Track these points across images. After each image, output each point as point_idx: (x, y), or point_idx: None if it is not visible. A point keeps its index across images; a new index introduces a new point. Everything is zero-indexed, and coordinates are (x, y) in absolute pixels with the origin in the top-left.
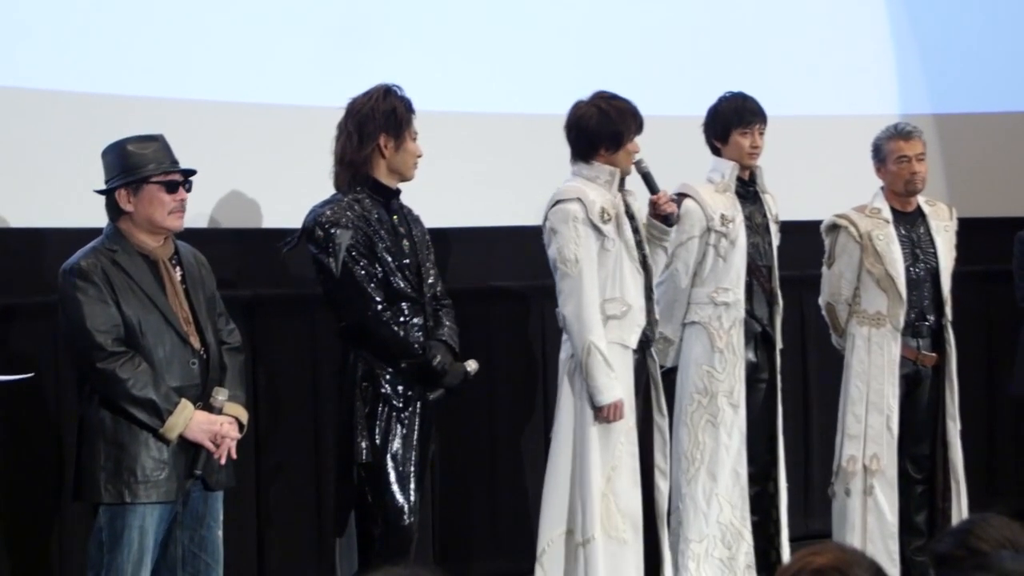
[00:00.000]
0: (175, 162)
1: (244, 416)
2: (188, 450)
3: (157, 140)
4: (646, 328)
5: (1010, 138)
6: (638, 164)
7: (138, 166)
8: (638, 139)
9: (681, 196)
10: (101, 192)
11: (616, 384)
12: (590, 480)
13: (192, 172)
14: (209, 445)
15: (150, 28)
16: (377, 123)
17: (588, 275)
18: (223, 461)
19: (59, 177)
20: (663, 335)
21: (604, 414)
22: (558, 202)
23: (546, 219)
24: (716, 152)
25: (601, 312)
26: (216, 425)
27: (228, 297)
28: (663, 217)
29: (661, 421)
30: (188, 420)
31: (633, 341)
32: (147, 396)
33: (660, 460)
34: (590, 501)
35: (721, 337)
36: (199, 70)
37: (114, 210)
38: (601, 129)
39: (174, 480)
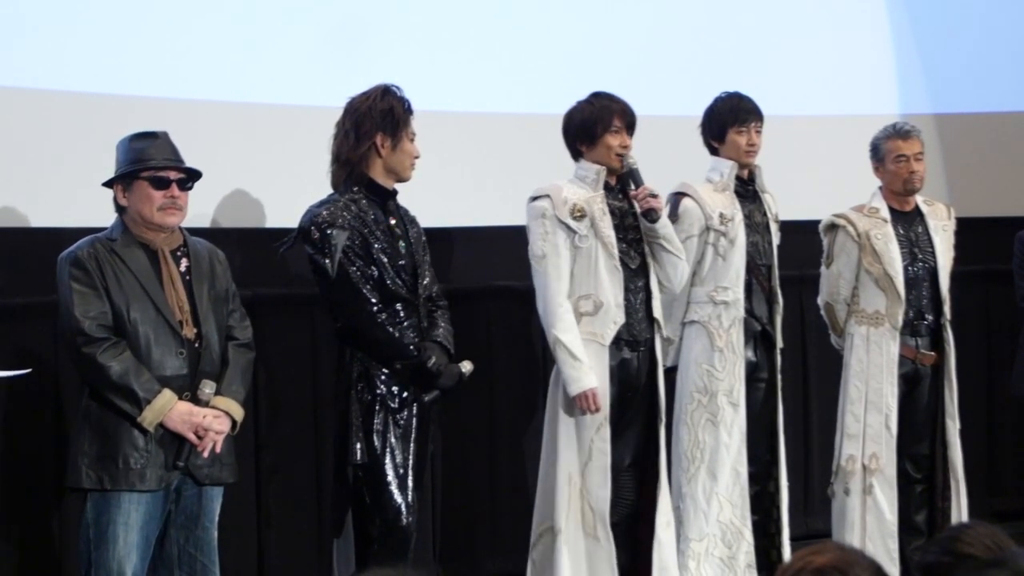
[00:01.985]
0: (170, 159)
1: (237, 412)
2: (173, 441)
3: (157, 136)
4: (632, 326)
5: (1010, 138)
6: (624, 160)
7: (133, 161)
8: (632, 138)
9: (680, 195)
10: (106, 185)
11: (586, 375)
12: (556, 472)
13: (195, 172)
14: (191, 437)
15: (150, 28)
16: (374, 122)
17: (554, 270)
18: (205, 454)
19: (59, 177)
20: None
21: (578, 404)
22: (531, 199)
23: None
24: (714, 152)
25: (575, 309)
26: (198, 417)
27: None
28: (645, 213)
29: (659, 425)
30: (167, 410)
31: (607, 338)
32: (126, 383)
33: (661, 459)
34: (557, 493)
35: (721, 336)
36: (200, 70)
37: (115, 203)
38: (574, 126)
39: (157, 470)
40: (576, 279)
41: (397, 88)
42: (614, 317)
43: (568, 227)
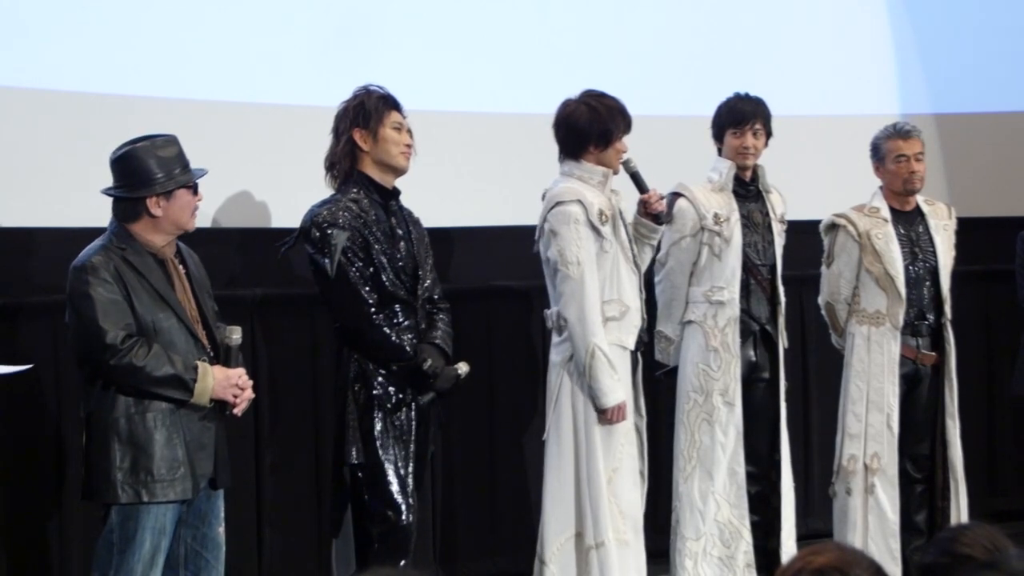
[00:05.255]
0: (188, 162)
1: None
2: (205, 447)
3: (176, 143)
4: (642, 329)
5: (1010, 138)
6: (626, 164)
7: (170, 171)
8: (627, 138)
9: (675, 196)
10: (128, 198)
11: (619, 386)
12: (598, 484)
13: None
14: (231, 399)
15: (150, 28)
16: (348, 119)
17: (590, 277)
18: (238, 412)
19: (59, 177)
20: (663, 334)
21: (608, 416)
22: (558, 203)
23: (544, 220)
24: (719, 150)
25: (600, 314)
26: (235, 379)
27: (229, 297)
28: (654, 216)
29: (639, 423)
30: (212, 382)
31: (631, 342)
32: (168, 373)
33: (639, 463)
34: (600, 505)
35: (715, 336)
36: (200, 70)
37: (129, 213)
38: (591, 127)
39: (189, 479)
40: (599, 284)
41: (376, 86)
42: (635, 321)
43: (598, 232)
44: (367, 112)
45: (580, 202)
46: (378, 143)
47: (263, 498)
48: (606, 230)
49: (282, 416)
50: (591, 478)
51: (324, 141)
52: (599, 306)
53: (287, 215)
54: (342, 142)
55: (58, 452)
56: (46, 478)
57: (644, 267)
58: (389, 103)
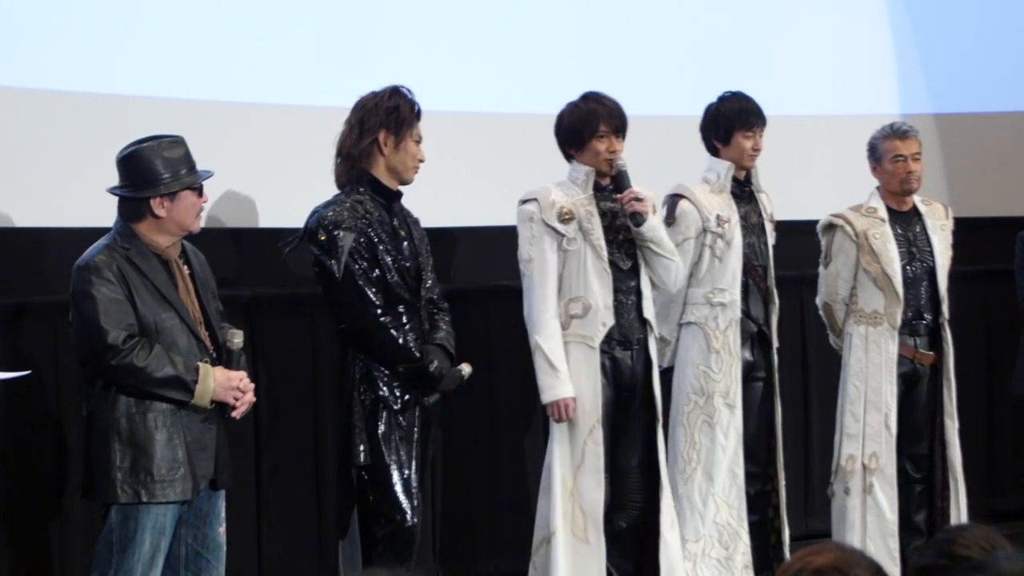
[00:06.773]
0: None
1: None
2: (206, 448)
3: (183, 144)
4: (623, 326)
5: (1010, 138)
6: (614, 163)
7: (175, 172)
8: (623, 139)
9: (677, 197)
10: (132, 198)
11: (562, 384)
12: (552, 477)
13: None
14: (231, 401)
15: (149, 28)
16: (379, 118)
17: (539, 275)
18: (236, 415)
19: (59, 177)
20: (659, 335)
21: (550, 412)
22: (520, 202)
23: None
24: (714, 152)
25: (564, 311)
26: (236, 381)
27: (228, 297)
28: (630, 216)
29: (656, 424)
30: (213, 383)
31: (596, 340)
32: (169, 374)
33: (661, 459)
34: (553, 497)
35: (717, 338)
36: (198, 70)
37: (134, 212)
38: (562, 128)
39: (190, 480)
40: (565, 282)
41: (408, 90)
42: (603, 319)
43: (555, 230)
44: (400, 119)
45: (536, 200)
46: (398, 152)
47: (263, 499)
48: (567, 228)
49: (282, 417)
50: (548, 470)
51: (323, 141)
52: (551, 304)
53: (287, 215)
54: (366, 139)
55: (58, 452)
56: (46, 478)
57: (664, 271)
58: (418, 115)
